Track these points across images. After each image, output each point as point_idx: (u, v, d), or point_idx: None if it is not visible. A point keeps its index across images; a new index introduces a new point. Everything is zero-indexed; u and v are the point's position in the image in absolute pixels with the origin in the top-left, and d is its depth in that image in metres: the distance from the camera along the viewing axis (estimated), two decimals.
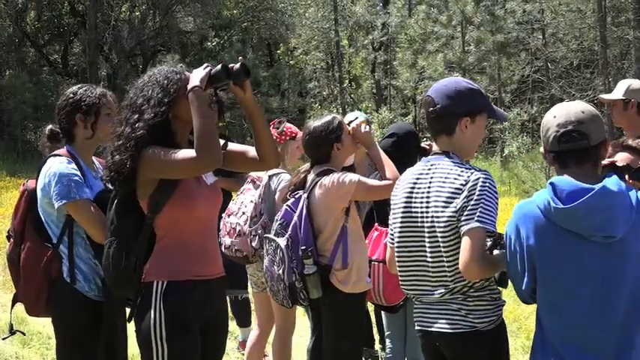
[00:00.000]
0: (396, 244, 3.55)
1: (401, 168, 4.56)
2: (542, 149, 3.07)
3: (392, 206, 3.60)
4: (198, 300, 3.55)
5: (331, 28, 34.74)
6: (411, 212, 3.47)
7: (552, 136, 2.94)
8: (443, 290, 3.37)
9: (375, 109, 35.60)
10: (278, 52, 38.23)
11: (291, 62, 37.01)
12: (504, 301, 3.43)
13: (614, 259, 2.81)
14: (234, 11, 35.61)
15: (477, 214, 3.20)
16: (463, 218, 3.22)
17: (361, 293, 4.65)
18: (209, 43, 35.59)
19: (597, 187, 2.78)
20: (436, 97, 3.47)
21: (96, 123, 4.09)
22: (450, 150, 3.45)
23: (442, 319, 3.38)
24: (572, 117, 2.93)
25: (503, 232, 3.09)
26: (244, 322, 7.03)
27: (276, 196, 5.15)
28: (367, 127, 4.67)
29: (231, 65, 3.51)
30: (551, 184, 2.84)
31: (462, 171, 3.31)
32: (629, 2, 23.48)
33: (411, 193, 3.48)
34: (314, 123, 4.68)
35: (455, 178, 3.31)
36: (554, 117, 2.97)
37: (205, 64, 3.56)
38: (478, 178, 3.26)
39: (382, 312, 5.33)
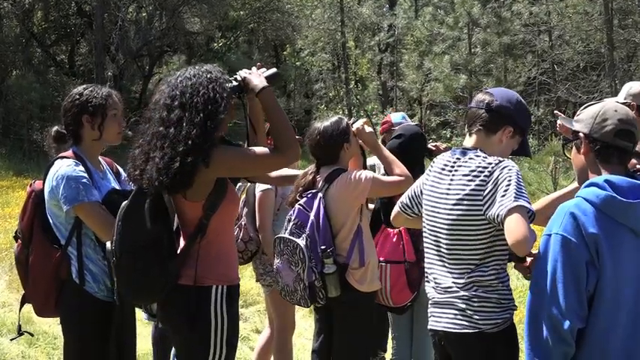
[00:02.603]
0: (424, 237, 3.58)
1: (408, 169, 4.60)
2: (581, 133, 3.03)
3: (423, 196, 3.63)
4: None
5: (337, 29, 34.68)
6: (435, 204, 3.49)
7: (611, 128, 2.96)
8: (454, 284, 3.37)
9: (381, 111, 35.56)
10: (284, 53, 38.21)
11: (297, 63, 36.97)
12: (515, 306, 3.39)
13: None
14: (241, 12, 35.58)
15: (514, 194, 3.15)
16: (500, 202, 3.17)
17: (374, 292, 4.71)
18: (215, 44, 35.61)
19: None
20: (496, 95, 3.49)
21: (102, 124, 4.08)
22: (482, 148, 3.44)
23: (448, 318, 3.40)
24: (631, 118, 2.99)
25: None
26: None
27: (283, 201, 5.22)
28: (370, 127, 4.74)
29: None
30: (608, 181, 2.86)
31: (488, 163, 3.31)
32: (636, 4, 23.43)
33: (434, 186, 3.51)
34: (322, 124, 4.71)
35: (480, 171, 3.32)
36: (616, 111, 2.99)
37: (255, 67, 3.67)
38: (504, 167, 3.27)
39: (389, 313, 5.33)
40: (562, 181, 17.82)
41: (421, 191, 3.67)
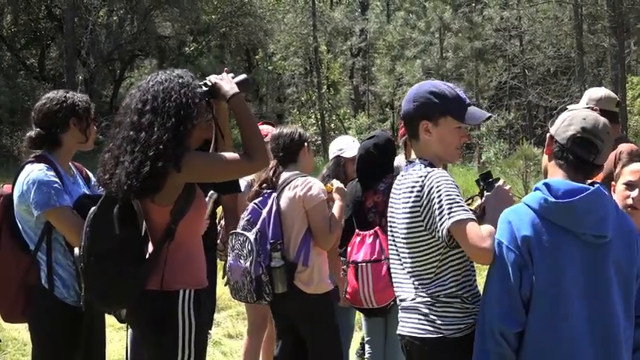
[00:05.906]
0: (389, 249, 3.57)
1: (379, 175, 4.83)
2: (549, 133, 3.10)
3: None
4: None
5: (310, 33, 34.70)
6: (391, 221, 3.49)
7: (571, 134, 2.99)
8: (413, 296, 3.36)
9: (353, 115, 35.65)
10: (256, 57, 38.21)
11: (269, 68, 36.99)
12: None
13: (601, 261, 2.90)
14: (213, 16, 35.51)
15: (446, 211, 3.10)
16: (438, 221, 3.15)
17: (326, 293, 4.84)
18: (187, 48, 35.51)
19: (593, 186, 2.91)
20: (403, 101, 3.52)
21: (88, 127, 4.11)
22: (422, 155, 3.40)
23: (412, 323, 3.38)
24: (599, 130, 3.00)
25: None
26: None
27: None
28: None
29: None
30: (546, 184, 2.91)
31: (419, 177, 3.26)
32: (605, 10, 23.66)
33: (393, 202, 3.49)
34: (283, 129, 5.01)
35: (412, 186, 3.28)
36: (584, 119, 3.01)
37: (224, 71, 3.65)
38: (432, 179, 3.20)
39: (362, 317, 5.32)
40: (533, 185, 17.91)
41: None
